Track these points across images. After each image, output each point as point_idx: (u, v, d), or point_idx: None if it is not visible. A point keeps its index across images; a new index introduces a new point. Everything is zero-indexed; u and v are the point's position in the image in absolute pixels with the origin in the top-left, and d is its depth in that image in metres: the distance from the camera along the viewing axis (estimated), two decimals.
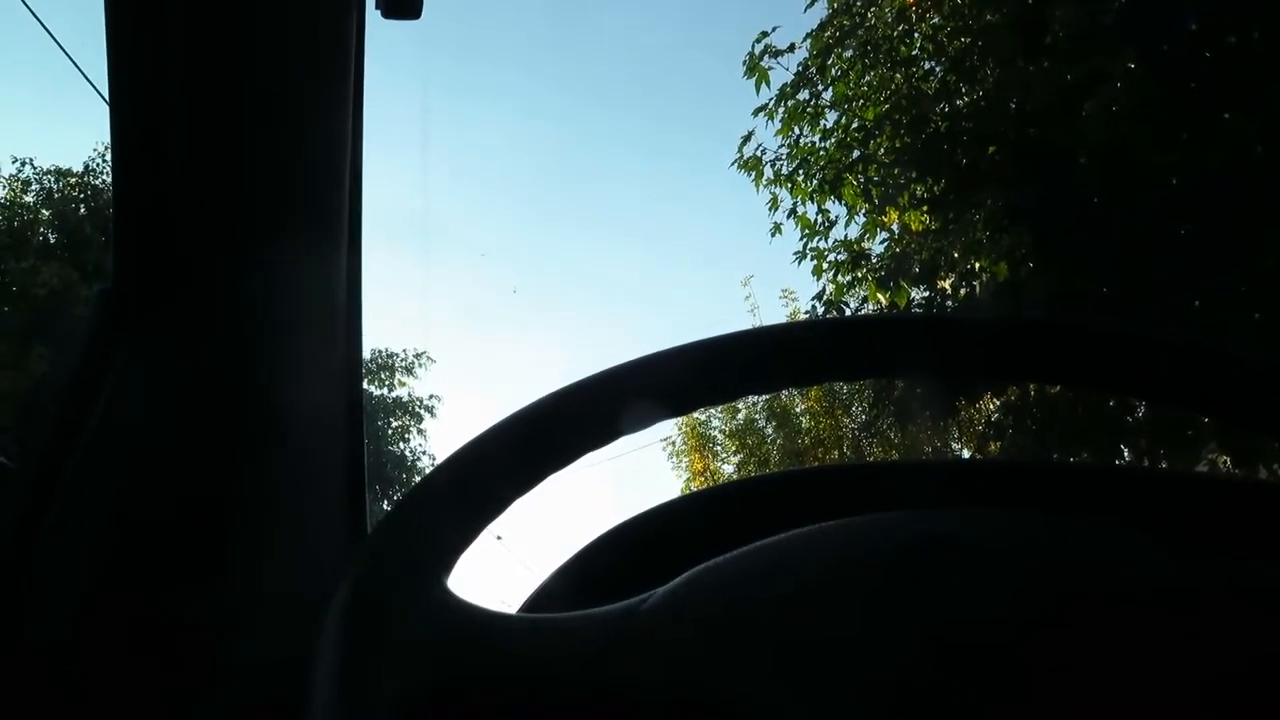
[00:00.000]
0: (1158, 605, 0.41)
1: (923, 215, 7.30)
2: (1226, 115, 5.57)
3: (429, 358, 18.75)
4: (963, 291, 6.82)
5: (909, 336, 0.57)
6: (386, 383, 18.22)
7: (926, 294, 7.36)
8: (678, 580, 0.46)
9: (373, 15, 0.81)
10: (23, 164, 13.34)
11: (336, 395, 0.88)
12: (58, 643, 0.75)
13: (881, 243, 7.87)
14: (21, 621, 0.74)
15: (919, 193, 7.26)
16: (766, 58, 7.58)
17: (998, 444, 7.40)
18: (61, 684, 0.73)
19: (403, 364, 18.39)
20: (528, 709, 0.42)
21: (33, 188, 13.27)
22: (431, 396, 19.22)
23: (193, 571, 0.79)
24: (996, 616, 0.41)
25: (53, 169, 13.43)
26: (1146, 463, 6.44)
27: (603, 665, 0.41)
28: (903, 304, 7.18)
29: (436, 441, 19.15)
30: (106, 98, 0.78)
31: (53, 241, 12.71)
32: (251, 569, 0.82)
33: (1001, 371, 0.56)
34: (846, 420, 16.04)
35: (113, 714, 0.73)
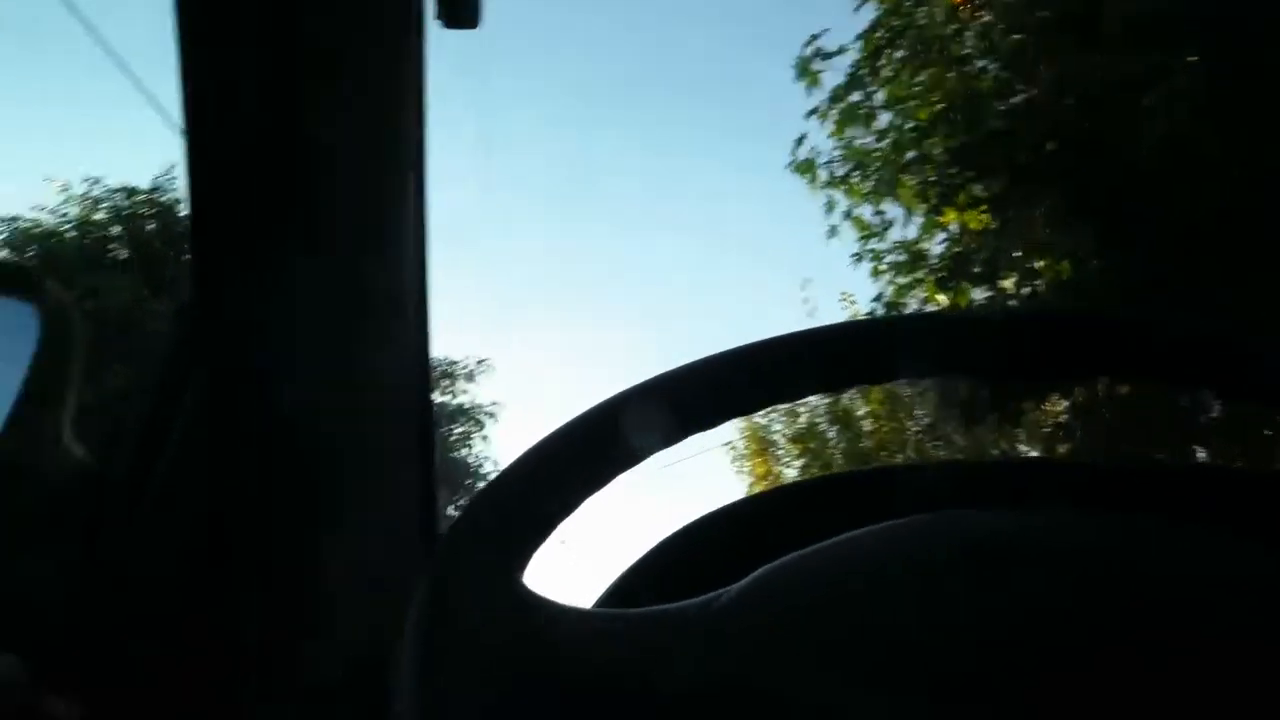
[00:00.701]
0: (1239, 603, 0.41)
1: (982, 214, 7.20)
2: None
3: (489, 365, 18.90)
4: (1025, 290, 6.72)
5: (900, 339, 0.57)
6: (449, 390, 18.37)
7: (989, 293, 7.26)
8: (750, 577, 0.46)
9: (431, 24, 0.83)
10: (93, 183, 13.73)
11: (408, 398, 0.90)
12: (149, 651, 0.77)
13: (940, 243, 7.77)
14: (116, 629, 0.77)
15: (977, 192, 7.17)
16: (817, 60, 7.55)
17: (1066, 446, 7.27)
18: (152, 684, 0.76)
19: (464, 371, 18.55)
20: (604, 705, 0.42)
21: (103, 205, 13.62)
22: (493, 403, 19.35)
23: (271, 577, 0.81)
24: (1068, 615, 0.41)
25: (122, 187, 13.77)
26: (1219, 462, 6.28)
27: (678, 661, 0.42)
28: (964, 304, 7.09)
29: (498, 448, 19.27)
30: (179, 122, 0.81)
31: (124, 258, 13.02)
32: (329, 575, 0.84)
33: (1014, 372, 0.56)
34: (910, 423, 15.83)
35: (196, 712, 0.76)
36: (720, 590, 0.45)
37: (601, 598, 0.64)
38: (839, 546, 0.47)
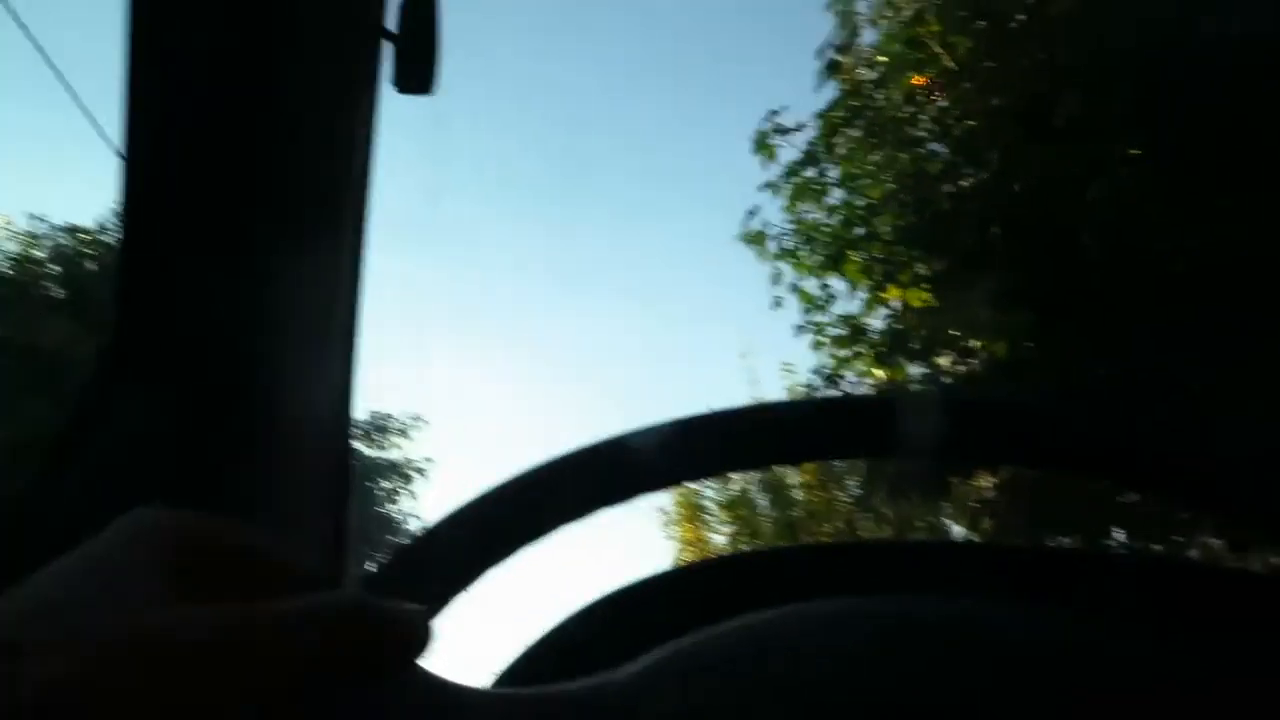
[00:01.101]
0: (1141, 690, 0.41)
1: (924, 292, 7.35)
2: (1233, 198, 5.63)
3: (423, 420, 18.76)
4: (960, 369, 6.84)
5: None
6: (380, 444, 18.22)
7: (925, 370, 7.38)
8: (659, 653, 0.45)
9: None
10: (37, 220, 13.55)
11: (328, 442, 0.88)
12: None
13: (882, 319, 7.92)
14: None
15: (921, 270, 7.32)
16: (774, 135, 7.70)
17: (990, 522, 7.36)
18: None
19: (397, 426, 18.41)
20: None
21: (44, 243, 13.44)
22: (425, 459, 19.19)
23: None
24: (980, 704, 0.40)
25: (66, 225, 13.62)
26: (1137, 547, 6.40)
27: None
28: (900, 379, 7.19)
29: (426, 505, 19.07)
30: (118, 148, 0.79)
31: (61, 297, 12.81)
32: None
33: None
34: (840, 494, 15.96)
35: None
36: (628, 666, 0.44)
37: (503, 674, 0.62)
38: (751, 628, 0.46)
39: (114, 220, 13.18)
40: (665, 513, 16.83)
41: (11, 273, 13.01)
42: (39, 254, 13.33)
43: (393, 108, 0.85)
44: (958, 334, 6.70)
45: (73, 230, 13.53)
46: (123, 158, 0.77)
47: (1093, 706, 0.41)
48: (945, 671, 0.42)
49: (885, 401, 0.61)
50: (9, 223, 13.25)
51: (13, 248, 13.23)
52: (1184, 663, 0.43)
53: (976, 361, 6.73)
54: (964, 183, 7.04)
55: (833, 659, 0.44)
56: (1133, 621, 0.46)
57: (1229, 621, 0.57)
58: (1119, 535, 6.86)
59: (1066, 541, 6.77)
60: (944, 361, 7.08)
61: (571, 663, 0.54)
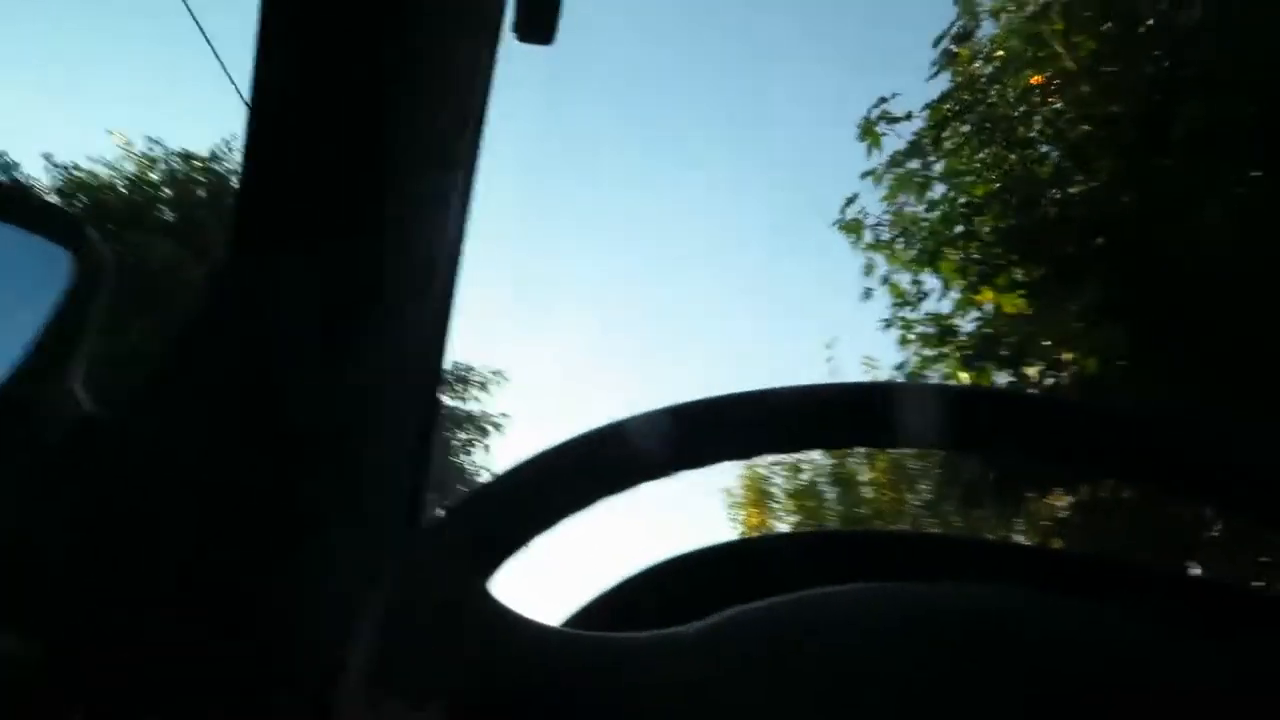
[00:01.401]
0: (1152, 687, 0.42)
1: (1018, 299, 7.19)
2: None
3: (504, 376, 18.99)
4: (1048, 381, 6.69)
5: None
6: (460, 395, 18.49)
7: (1011, 378, 7.23)
8: (718, 616, 0.46)
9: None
10: (154, 143, 13.98)
11: (416, 391, 0.90)
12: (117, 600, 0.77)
13: (972, 321, 7.77)
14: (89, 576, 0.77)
15: (1018, 275, 7.16)
16: (882, 123, 7.57)
17: (1062, 543, 7.21)
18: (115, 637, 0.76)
19: (478, 379, 18.65)
20: (553, 717, 0.43)
21: (159, 166, 13.84)
22: (502, 414, 19.42)
23: (242, 551, 0.81)
24: (1012, 696, 0.41)
25: (180, 151, 14.02)
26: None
27: (636, 688, 0.42)
28: (986, 384, 7.06)
29: (501, 459, 19.31)
30: (246, 96, 0.82)
31: (170, 220, 13.20)
32: (309, 559, 0.84)
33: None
34: (911, 496, 15.74)
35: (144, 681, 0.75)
36: (687, 625, 0.46)
37: (568, 619, 0.64)
38: (807, 601, 0.47)
39: (226, 149, 13.54)
40: (731, 495, 16.82)
41: (126, 192, 13.44)
42: (154, 177, 13.74)
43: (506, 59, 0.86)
44: (1049, 344, 6.55)
45: (187, 156, 13.93)
46: (255, 65, 0.79)
47: (1107, 700, 0.42)
48: (974, 659, 0.43)
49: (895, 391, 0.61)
50: (128, 143, 13.69)
51: (130, 168, 13.67)
52: (1196, 665, 0.43)
53: (1065, 374, 6.57)
54: (1072, 189, 6.85)
55: (874, 640, 0.45)
56: (1151, 623, 0.47)
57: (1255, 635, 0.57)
58: (1194, 567, 6.68)
59: None
60: (1032, 371, 6.93)
61: (634, 616, 0.55)
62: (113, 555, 0.76)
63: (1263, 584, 6.44)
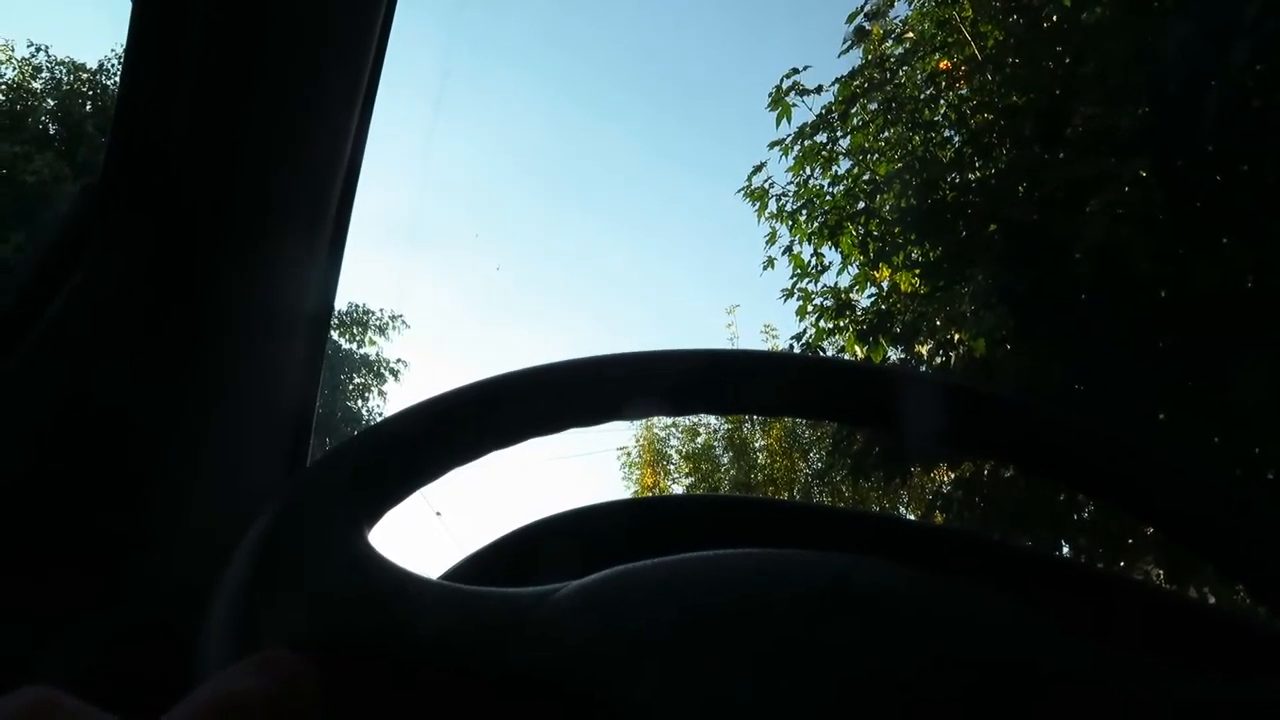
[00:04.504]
0: (1042, 682, 0.42)
1: (914, 278, 7.36)
2: (1225, 240, 5.66)
3: (404, 322, 18.71)
4: (938, 360, 6.87)
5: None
6: (357, 338, 18.12)
7: (903, 355, 7.41)
8: (593, 576, 0.46)
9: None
10: (37, 49, 13.22)
11: (304, 326, 0.88)
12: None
13: (869, 297, 7.93)
14: None
15: (914, 255, 7.32)
16: (793, 94, 7.63)
17: (943, 515, 7.45)
18: None
19: (377, 323, 18.33)
20: (422, 674, 0.42)
21: (42, 75, 13.12)
22: (398, 360, 19.16)
23: (119, 480, 0.78)
24: (886, 670, 0.42)
25: (67, 60, 13.30)
26: (1082, 560, 6.49)
27: (503, 644, 0.42)
28: (878, 360, 7.22)
29: (394, 405, 19.08)
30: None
31: (52, 132, 12.56)
32: (179, 491, 0.81)
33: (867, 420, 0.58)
34: (803, 465, 16.09)
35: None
36: (562, 583, 0.45)
37: (446, 573, 0.63)
38: (684, 564, 0.47)
39: (116, 62, 12.90)
40: (628, 454, 16.96)
41: (4, 99, 12.74)
42: (35, 86, 13.04)
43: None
44: (940, 324, 6.72)
45: (74, 67, 13.23)
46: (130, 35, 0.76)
47: (984, 686, 0.42)
48: (850, 630, 0.43)
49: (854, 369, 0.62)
50: (8, 46, 12.94)
51: (10, 74, 12.95)
52: (1052, 650, 0.44)
53: (953, 355, 6.76)
54: (971, 175, 7.02)
55: (747, 605, 0.45)
56: (1039, 617, 0.48)
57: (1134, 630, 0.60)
58: (1065, 549, 6.97)
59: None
60: (923, 350, 7.10)
61: (512, 572, 0.55)
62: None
63: (1120, 564, 6.77)
